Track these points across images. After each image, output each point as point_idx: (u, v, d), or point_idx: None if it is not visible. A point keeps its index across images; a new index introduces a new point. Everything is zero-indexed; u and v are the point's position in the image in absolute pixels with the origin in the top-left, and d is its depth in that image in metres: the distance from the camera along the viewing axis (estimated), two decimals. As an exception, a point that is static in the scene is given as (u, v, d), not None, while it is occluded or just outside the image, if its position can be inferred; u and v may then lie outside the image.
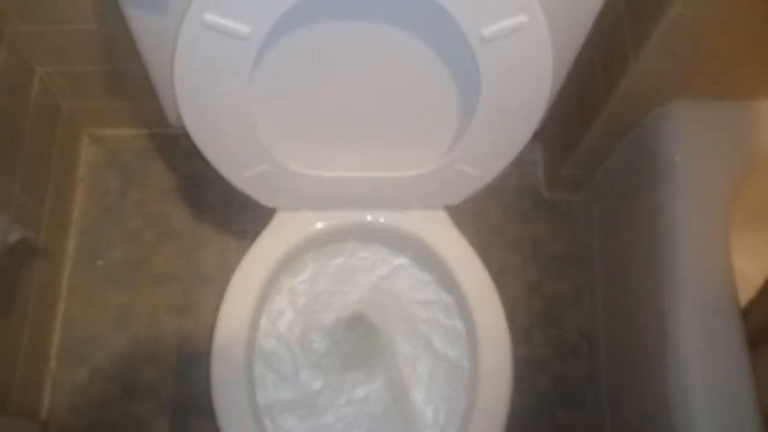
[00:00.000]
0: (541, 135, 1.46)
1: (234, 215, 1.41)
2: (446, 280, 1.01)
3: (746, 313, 1.01)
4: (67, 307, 1.34)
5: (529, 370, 1.34)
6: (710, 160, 1.05)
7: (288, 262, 1.03)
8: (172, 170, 1.44)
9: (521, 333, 1.36)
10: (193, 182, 1.43)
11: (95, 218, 1.40)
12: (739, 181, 1.06)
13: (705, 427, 0.95)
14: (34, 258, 1.23)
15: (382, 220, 1.00)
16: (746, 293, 1.01)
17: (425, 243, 0.99)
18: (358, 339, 1.12)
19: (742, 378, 0.96)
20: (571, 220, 1.44)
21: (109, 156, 1.45)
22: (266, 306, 1.06)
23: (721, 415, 0.95)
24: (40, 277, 1.26)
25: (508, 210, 1.45)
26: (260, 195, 0.93)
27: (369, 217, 1.00)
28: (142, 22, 0.73)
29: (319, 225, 0.99)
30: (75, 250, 1.38)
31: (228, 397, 0.92)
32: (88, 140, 1.46)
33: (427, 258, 1.03)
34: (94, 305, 1.34)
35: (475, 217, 1.42)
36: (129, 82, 1.25)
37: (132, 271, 1.37)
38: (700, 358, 0.99)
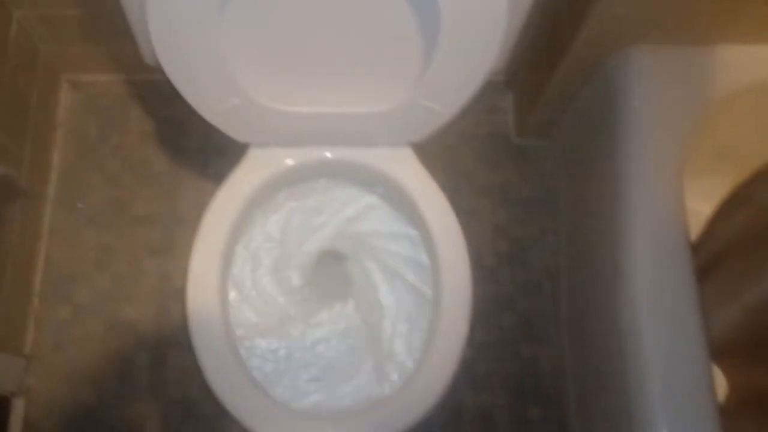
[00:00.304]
0: (511, 83, 1.51)
1: (211, 159, 1.45)
2: (411, 213, 1.06)
3: (696, 249, 1.07)
4: (49, 247, 1.38)
5: (495, 307, 1.40)
6: (668, 103, 1.10)
7: (261, 198, 1.08)
8: (150, 116, 1.47)
9: (489, 273, 1.42)
10: (171, 127, 1.46)
11: (75, 162, 1.44)
12: (696, 124, 1.11)
13: (654, 355, 1.01)
14: (15, 197, 1.27)
15: (350, 157, 1.04)
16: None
17: (392, 178, 1.04)
18: (331, 271, 1.18)
19: (690, 309, 1.02)
20: (539, 165, 1.49)
21: (89, 101, 1.48)
22: (241, 241, 1.11)
23: (669, 344, 1.00)
24: (21, 218, 1.30)
25: (478, 156, 1.49)
26: (232, 130, 0.97)
27: (338, 154, 1.04)
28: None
29: (290, 161, 1.03)
30: (56, 193, 1.42)
31: (203, 322, 0.97)
32: (67, 86, 1.48)
33: (394, 194, 1.08)
34: (75, 246, 1.38)
35: (447, 163, 1.47)
36: (106, 25, 1.27)
37: (112, 214, 1.41)
38: (650, 290, 1.04)
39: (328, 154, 1.05)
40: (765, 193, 1.00)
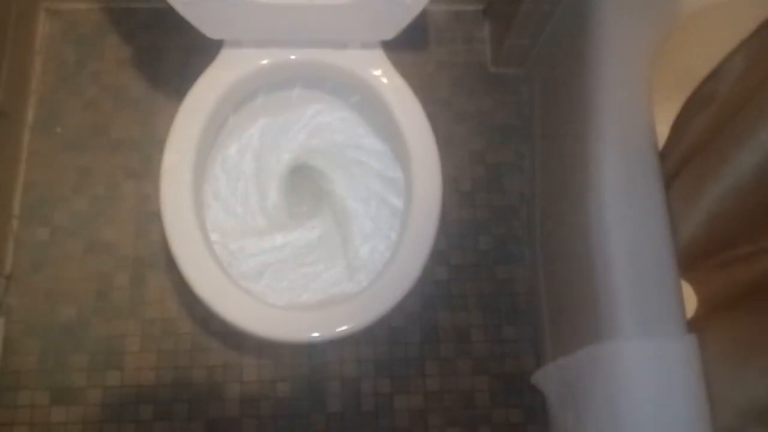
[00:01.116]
0: (488, 12, 1.52)
1: (188, 84, 1.44)
2: (384, 115, 1.07)
3: (663, 156, 1.08)
4: (28, 171, 1.38)
5: (471, 231, 1.42)
6: (634, 22, 1.11)
7: (235, 100, 1.08)
8: (128, 43, 1.47)
9: (465, 198, 1.44)
10: (148, 54, 1.47)
11: (53, 87, 1.44)
12: (660, 42, 1.12)
13: (622, 266, 1.02)
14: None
15: (322, 57, 1.05)
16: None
17: (363, 78, 1.04)
18: (305, 184, 1.19)
19: (658, 218, 1.03)
20: (515, 93, 1.51)
21: (66, 29, 1.48)
22: (217, 157, 1.12)
23: (638, 254, 1.02)
24: (0, 141, 1.30)
25: (455, 84, 1.50)
26: (203, 23, 0.97)
27: (310, 55, 1.05)
28: None
29: (263, 61, 1.04)
30: (34, 117, 1.42)
31: (177, 213, 0.97)
32: (45, 14, 1.48)
33: (367, 99, 1.09)
34: (54, 169, 1.39)
35: (425, 91, 1.45)
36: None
37: (90, 137, 1.41)
38: (619, 199, 1.06)
39: (301, 55, 1.06)
40: (725, 87, 1.01)
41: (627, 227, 1.04)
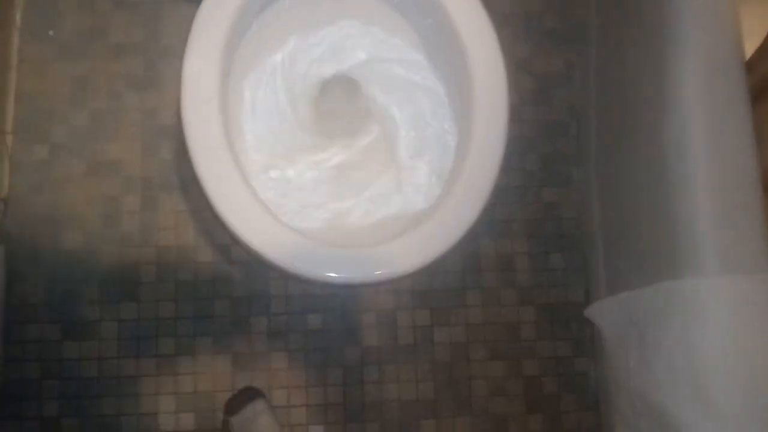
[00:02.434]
0: None
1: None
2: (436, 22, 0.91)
3: (749, 67, 0.94)
4: (20, 80, 1.22)
5: (516, 148, 1.28)
6: None
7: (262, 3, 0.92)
8: (124, -70, 1.27)
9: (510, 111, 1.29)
10: (149, -56, 1.27)
11: (42, -16, 1.25)
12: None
13: (704, 185, 0.90)
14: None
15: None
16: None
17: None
18: (344, 99, 1.04)
19: (744, 134, 0.91)
20: (567, -9, 1.33)
21: None
22: (248, 75, 0.96)
23: (720, 173, 0.90)
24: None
25: (499, -19, 1.33)
26: None
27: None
28: None
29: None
30: (23, 19, 1.24)
31: (201, 132, 0.83)
32: None
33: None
34: (48, 79, 1.23)
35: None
36: None
37: (86, 42, 1.24)
38: (700, 113, 0.92)
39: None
40: None
41: (709, 151, 0.91)
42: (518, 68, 1.31)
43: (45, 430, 1.11)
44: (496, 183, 0.89)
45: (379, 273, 0.85)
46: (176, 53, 1.24)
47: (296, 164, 0.98)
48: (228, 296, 1.18)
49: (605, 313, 1.12)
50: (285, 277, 1.18)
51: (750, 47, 1.17)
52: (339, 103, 1.03)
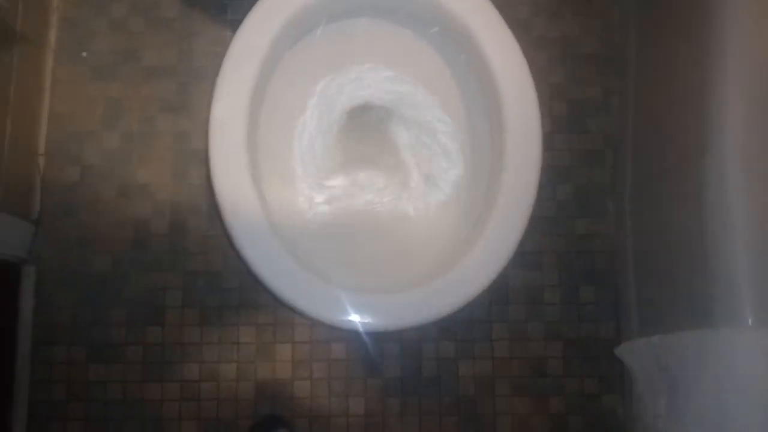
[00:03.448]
0: None
1: (230, 3, 1.26)
2: (473, 60, 0.89)
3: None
4: (53, 101, 1.24)
5: (548, 178, 1.25)
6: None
7: (291, 38, 0.91)
8: (158, -49, 1.28)
9: (543, 139, 1.25)
10: (183, -35, 1.27)
11: (77, 5, 1.26)
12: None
13: (745, 229, 0.87)
14: (12, 40, 1.11)
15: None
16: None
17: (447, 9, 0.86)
18: (370, 130, 1.03)
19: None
20: (606, 16, 1.30)
21: (88, -65, 1.28)
22: (270, 85, 0.95)
23: (760, 220, 0.86)
24: (21, 66, 1.15)
25: (536, 2, 1.29)
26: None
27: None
28: None
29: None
30: (57, 40, 1.26)
31: (230, 180, 0.83)
32: None
33: (451, 32, 0.91)
34: (81, 100, 1.24)
35: (500, 10, 1.27)
36: None
37: (119, 64, 1.25)
38: (741, 156, 0.89)
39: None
40: None
41: (753, 194, 0.87)
42: (553, 94, 1.27)
43: (70, 452, 1.13)
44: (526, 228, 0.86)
45: (413, 319, 0.84)
46: (208, 76, 1.24)
47: (320, 199, 0.97)
48: (254, 323, 1.18)
49: (636, 354, 1.08)
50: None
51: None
52: (365, 133, 1.02)
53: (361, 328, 0.83)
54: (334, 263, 0.94)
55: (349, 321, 0.83)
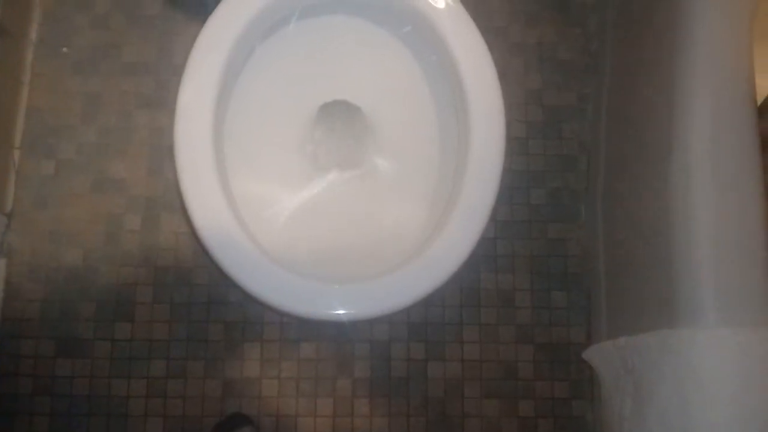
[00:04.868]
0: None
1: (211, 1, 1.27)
2: (436, 53, 0.90)
3: (761, 112, 0.91)
4: (32, 95, 1.24)
5: (522, 183, 1.26)
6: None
7: (263, 29, 0.92)
8: (141, -49, 1.29)
9: (517, 144, 1.27)
10: (165, -35, 1.29)
11: (59, 1, 1.27)
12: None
13: (707, 232, 0.87)
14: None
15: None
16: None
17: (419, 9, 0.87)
18: (342, 127, 1.03)
19: (752, 182, 0.87)
20: (582, 24, 1.31)
21: (71, -67, 1.29)
22: (241, 78, 0.96)
23: (725, 221, 0.87)
24: (0, 60, 1.15)
25: (513, 10, 1.31)
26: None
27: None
28: None
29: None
30: (38, 35, 1.27)
31: (193, 166, 0.83)
32: None
33: (419, 28, 0.92)
34: (60, 94, 1.24)
35: (477, 17, 1.28)
36: None
37: (99, 60, 1.26)
38: (706, 157, 0.89)
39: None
40: None
41: (715, 196, 0.88)
42: (529, 99, 1.29)
43: (34, 446, 1.12)
44: (493, 215, 0.86)
45: (386, 305, 0.83)
46: (185, 74, 1.24)
47: (290, 193, 0.97)
48: (222, 320, 1.17)
49: (603, 356, 1.08)
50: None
51: (764, 86, 1.14)
52: (336, 128, 1.03)
53: (330, 318, 0.82)
54: (302, 255, 0.94)
55: (319, 311, 0.83)
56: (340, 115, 1.02)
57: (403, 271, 0.83)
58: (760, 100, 0.94)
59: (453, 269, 0.83)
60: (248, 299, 1.17)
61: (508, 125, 1.23)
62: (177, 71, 1.23)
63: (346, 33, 1.01)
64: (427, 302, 1.20)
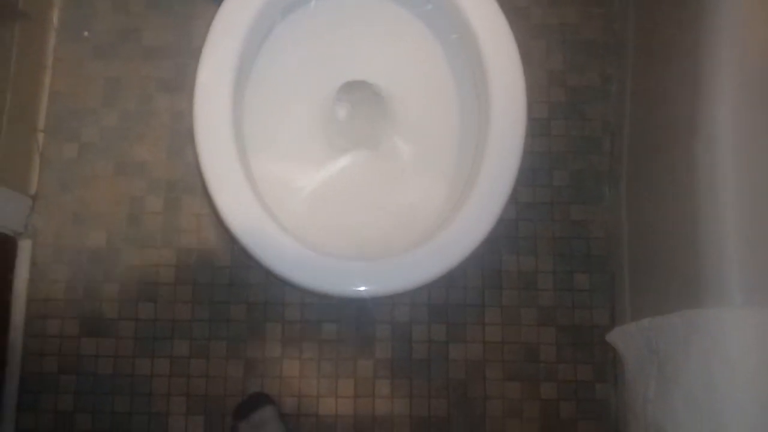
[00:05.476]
0: None
1: (229, -16, 1.27)
2: (457, 31, 0.89)
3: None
4: (54, 79, 1.25)
5: (545, 164, 1.24)
6: None
7: (282, 6, 0.92)
8: (161, -66, 1.29)
9: (540, 125, 1.26)
10: (185, -52, 1.28)
11: (80, -15, 1.28)
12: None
13: (732, 210, 0.86)
14: (13, 17, 1.12)
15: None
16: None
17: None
18: (359, 107, 1.03)
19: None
20: (605, 3, 1.29)
21: None
22: (260, 57, 0.96)
23: (749, 198, 0.85)
24: (23, 44, 1.16)
25: (535, -9, 1.29)
26: None
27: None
28: None
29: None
30: (59, 20, 1.27)
31: (213, 144, 0.84)
32: None
33: (444, 10, 0.91)
34: (81, 79, 1.25)
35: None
36: None
37: (120, 44, 1.26)
38: (731, 135, 0.88)
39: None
40: None
41: (742, 171, 0.86)
42: (551, 80, 1.27)
43: (59, 424, 1.13)
44: (514, 196, 0.86)
45: (407, 282, 0.83)
46: (206, 57, 1.25)
47: (309, 174, 0.97)
48: (245, 301, 1.18)
49: (626, 339, 1.07)
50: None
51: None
52: (356, 108, 1.02)
53: (353, 295, 0.82)
54: (322, 234, 0.94)
55: (341, 288, 0.83)
56: (359, 95, 1.02)
57: (423, 248, 0.82)
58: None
59: (473, 247, 0.83)
60: (270, 280, 1.17)
61: (530, 106, 1.22)
62: (196, 55, 1.21)
63: (367, 11, 1.00)
64: (449, 284, 1.19)
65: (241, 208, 0.82)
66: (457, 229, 0.82)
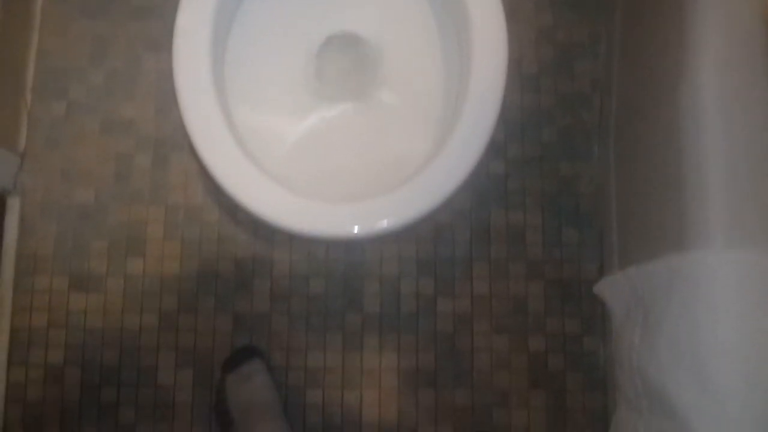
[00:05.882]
0: None
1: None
2: None
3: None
4: (41, 38, 1.25)
5: (534, 120, 1.24)
6: None
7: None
8: None
9: (529, 82, 1.25)
10: None
11: (67, -56, 1.27)
12: None
13: (718, 158, 0.85)
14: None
15: None
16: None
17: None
18: (344, 58, 1.02)
19: (760, 105, 0.85)
20: (594, -41, 1.28)
21: None
22: (244, 5, 0.95)
23: (736, 146, 0.85)
24: (9, 1, 1.16)
25: (524, -52, 1.29)
26: None
27: None
28: None
29: None
30: (47, -21, 1.27)
31: (194, 92, 0.84)
32: None
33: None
34: (69, 37, 1.25)
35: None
36: None
37: (108, 2, 1.26)
38: (716, 81, 0.87)
39: None
40: None
41: (726, 120, 0.86)
42: (540, 37, 1.27)
43: (49, 377, 1.14)
44: (503, 152, 0.86)
45: (395, 220, 0.83)
46: (193, 14, 1.24)
47: (295, 124, 0.97)
48: (233, 257, 1.18)
49: (613, 289, 1.07)
50: (291, 238, 1.17)
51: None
52: (341, 59, 1.02)
53: (345, 236, 0.83)
54: (306, 183, 0.94)
55: (336, 230, 0.83)
56: (345, 46, 1.01)
57: (411, 185, 0.82)
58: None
59: (457, 183, 0.83)
60: (258, 236, 1.17)
61: (519, 62, 1.22)
62: (185, 12, 1.23)
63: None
64: (436, 238, 1.19)
65: (225, 157, 0.83)
66: (442, 165, 0.82)
